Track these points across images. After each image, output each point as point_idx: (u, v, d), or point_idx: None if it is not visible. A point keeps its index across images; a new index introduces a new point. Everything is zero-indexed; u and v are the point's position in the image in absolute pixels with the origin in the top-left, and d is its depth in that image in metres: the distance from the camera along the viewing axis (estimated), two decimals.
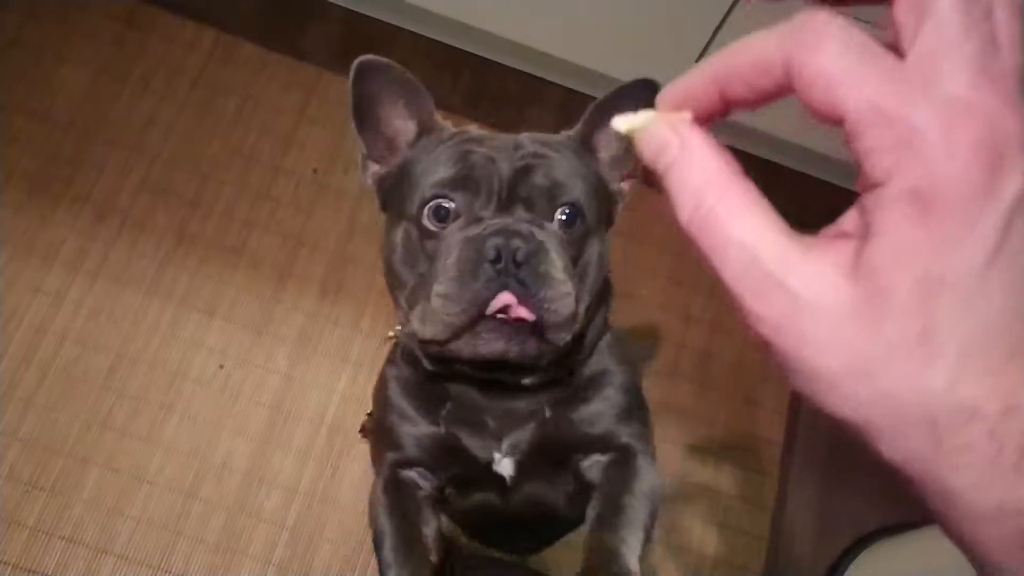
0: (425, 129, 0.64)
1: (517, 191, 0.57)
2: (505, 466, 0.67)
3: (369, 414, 1.19)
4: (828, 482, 1.47)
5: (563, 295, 0.54)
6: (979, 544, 0.22)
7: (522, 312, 0.54)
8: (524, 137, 0.62)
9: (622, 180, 0.67)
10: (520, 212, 0.57)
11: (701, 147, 0.24)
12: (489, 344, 0.55)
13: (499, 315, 0.54)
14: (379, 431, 0.72)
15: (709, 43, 1.36)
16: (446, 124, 0.65)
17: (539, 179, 0.58)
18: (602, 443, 0.68)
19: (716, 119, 0.25)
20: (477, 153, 0.58)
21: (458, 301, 0.53)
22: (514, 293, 0.53)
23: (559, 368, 0.64)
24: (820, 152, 1.58)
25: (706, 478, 1.45)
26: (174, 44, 1.57)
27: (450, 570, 0.91)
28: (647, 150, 0.25)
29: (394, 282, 0.62)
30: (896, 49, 0.21)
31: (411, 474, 0.69)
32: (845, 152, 0.22)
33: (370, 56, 0.62)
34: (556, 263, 0.55)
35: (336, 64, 1.59)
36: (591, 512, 0.63)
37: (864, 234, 0.22)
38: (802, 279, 0.22)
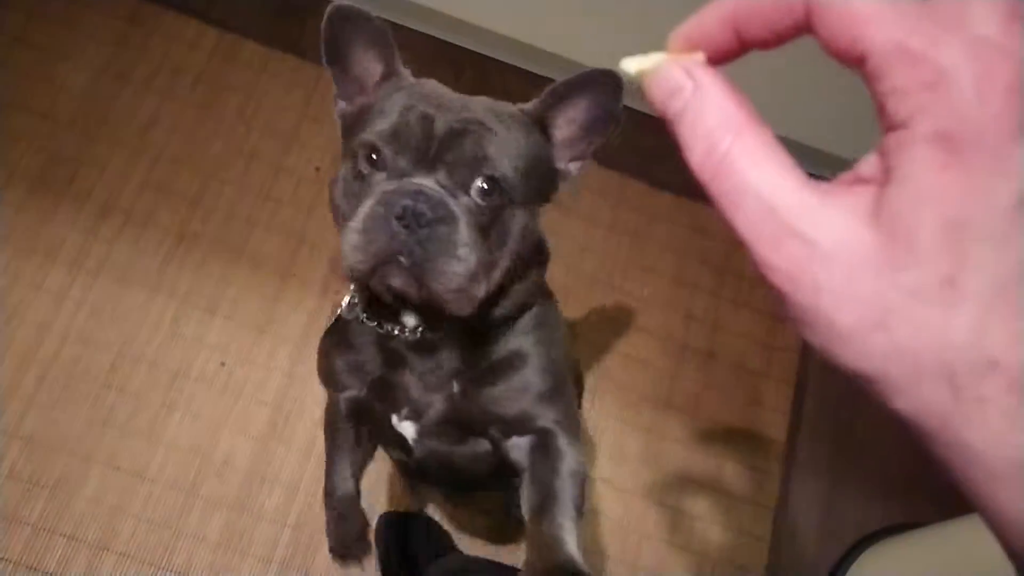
0: (389, 74, 0.68)
1: (444, 154, 0.60)
2: (406, 428, 0.76)
3: None
4: (831, 482, 1.47)
5: (455, 267, 0.58)
6: (994, 502, 0.21)
7: (409, 289, 0.59)
8: (477, 100, 0.64)
9: (570, 161, 0.69)
10: (442, 175, 0.60)
11: (716, 89, 0.23)
12: (395, 278, 0.59)
13: (400, 258, 0.58)
14: (321, 378, 0.85)
15: None
16: (406, 72, 0.68)
17: (468, 146, 0.60)
18: (520, 425, 0.72)
19: (729, 60, 0.24)
20: (417, 109, 0.61)
21: (363, 250, 0.59)
22: (408, 260, 0.57)
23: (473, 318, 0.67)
24: (810, 147, 1.57)
25: (708, 478, 1.45)
26: (176, 43, 1.57)
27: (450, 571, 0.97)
28: (658, 92, 0.24)
29: (335, 212, 0.67)
30: None
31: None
32: (835, 146, 0.21)
33: (345, 2, 0.65)
34: (461, 233, 0.58)
35: None
36: (525, 502, 0.69)
37: (884, 179, 0.21)
38: (819, 227, 0.21)
